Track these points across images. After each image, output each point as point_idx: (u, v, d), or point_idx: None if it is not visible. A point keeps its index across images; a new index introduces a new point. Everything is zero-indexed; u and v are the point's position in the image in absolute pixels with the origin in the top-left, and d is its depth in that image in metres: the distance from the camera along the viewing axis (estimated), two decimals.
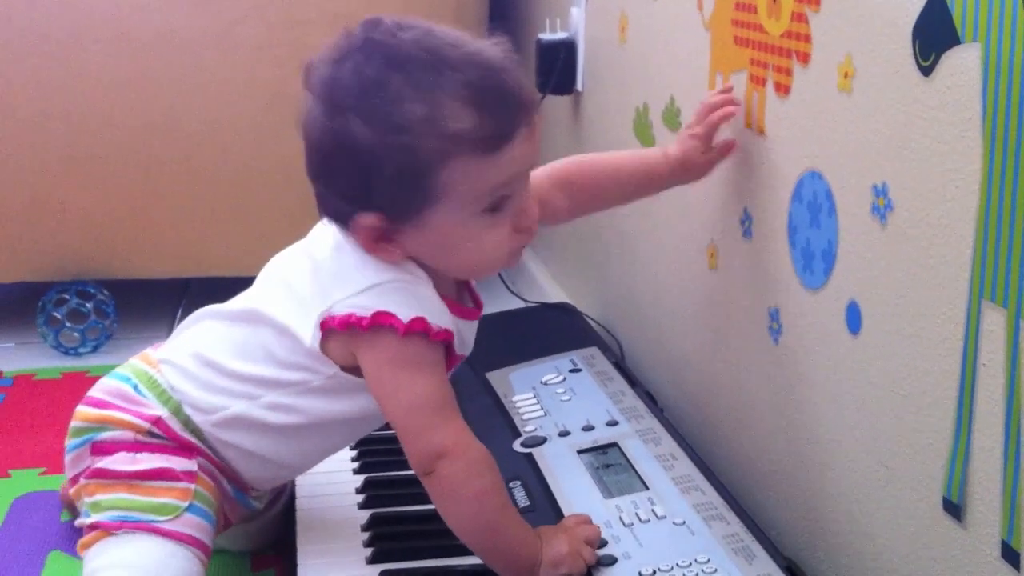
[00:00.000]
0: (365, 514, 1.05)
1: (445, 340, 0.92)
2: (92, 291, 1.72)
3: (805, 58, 0.92)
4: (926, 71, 0.75)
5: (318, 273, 0.94)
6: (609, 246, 1.49)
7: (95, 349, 1.72)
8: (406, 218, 0.88)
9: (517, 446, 1.11)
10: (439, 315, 0.91)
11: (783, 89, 0.96)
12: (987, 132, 0.69)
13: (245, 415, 0.96)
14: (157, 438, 0.97)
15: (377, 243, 0.90)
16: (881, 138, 0.81)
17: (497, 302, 1.53)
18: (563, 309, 1.51)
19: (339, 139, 0.86)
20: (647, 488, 1.00)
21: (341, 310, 0.90)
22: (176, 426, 0.97)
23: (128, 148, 1.68)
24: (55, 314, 1.70)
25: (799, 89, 0.94)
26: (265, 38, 1.68)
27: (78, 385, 1.59)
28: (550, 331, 1.41)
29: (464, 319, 0.96)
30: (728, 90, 1.06)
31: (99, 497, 0.96)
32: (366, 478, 1.13)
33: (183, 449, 0.97)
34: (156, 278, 1.78)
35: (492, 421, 1.17)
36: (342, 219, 0.91)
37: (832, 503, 0.91)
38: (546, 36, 1.60)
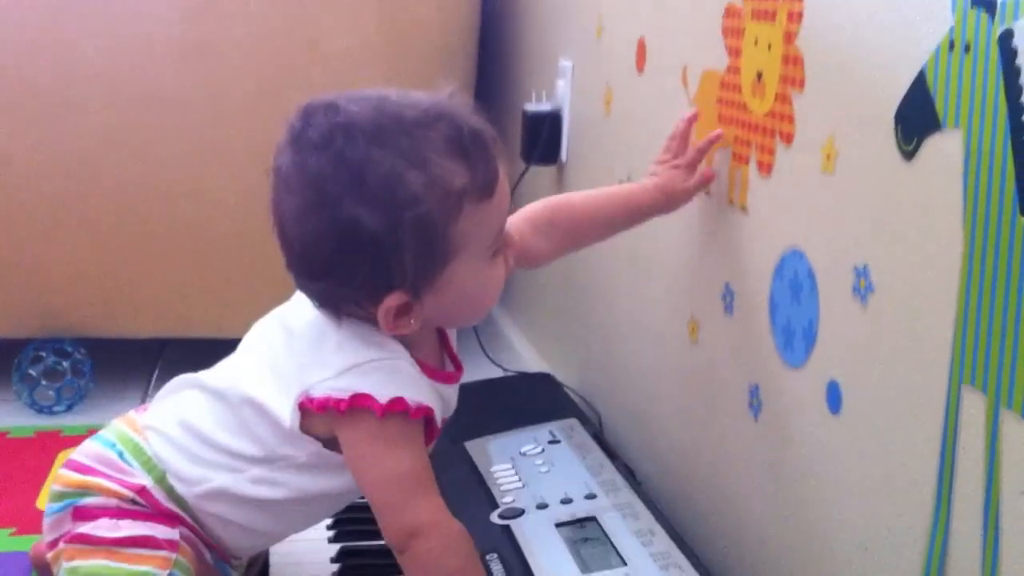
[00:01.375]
0: None
1: (424, 416, 0.91)
2: (69, 349, 1.71)
3: (788, 138, 0.93)
4: (908, 155, 0.76)
5: (296, 351, 0.93)
6: (590, 316, 1.49)
7: (70, 408, 1.70)
8: (428, 285, 0.88)
9: (494, 518, 1.10)
10: (418, 390, 0.91)
11: (766, 168, 0.97)
12: (968, 217, 0.69)
13: (229, 488, 0.95)
14: (140, 506, 0.96)
15: (397, 320, 0.89)
16: (863, 219, 0.81)
17: (477, 371, 1.53)
18: (542, 379, 1.51)
19: (346, 231, 0.84)
20: (625, 564, 0.99)
21: (319, 392, 0.89)
22: (160, 496, 0.96)
23: (110, 206, 1.67)
24: (31, 372, 1.69)
25: (782, 168, 0.95)
26: (255, 101, 1.68)
27: (51, 444, 1.57)
28: (529, 401, 1.40)
29: (446, 383, 0.96)
30: (686, 115, 1.08)
31: (78, 563, 0.94)
32: (341, 547, 1.11)
33: (166, 518, 0.95)
34: (134, 337, 1.76)
35: (469, 491, 1.16)
36: (356, 307, 0.90)
37: None
38: (532, 107, 1.61)
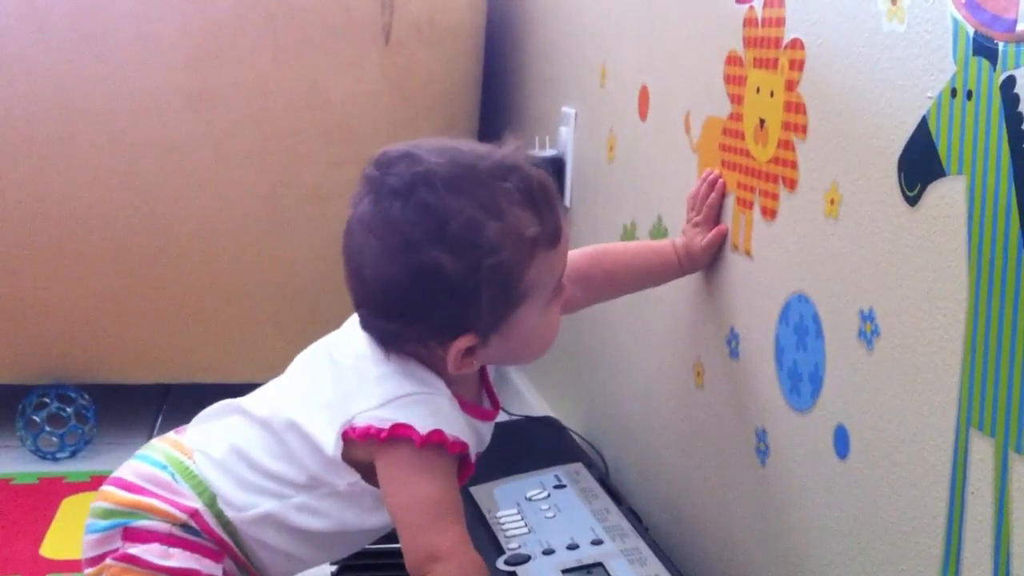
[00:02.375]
0: None
1: (460, 452, 0.93)
2: (73, 395, 1.71)
3: (792, 184, 0.94)
4: (912, 201, 0.76)
5: (341, 382, 0.95)
6: (595, 360, 1.49)
7: (73, 454, 1.70)
8: (497, 329, 0.92)
9: (501, 564, 1.09)
10: (456, 426, 0.93)
11: (770, 213, 0.98)
12: (972, 262, 0.70)
13: (275, 514, 0.96)
14: (191, 533, 0.96)
15: (464, 359, 0.92)
16: (868, 264, 0.82)
17: None
18: (548, 423, 1.51)
19: (428, 275, 0.88)
20: None
21: (361, 422, 0.91)
22: (211, 520, 0.97)
23: (115, 251, 1.68)
24: (34, 418, 1.68)
25: (786, 213, 0.96)
26: (259, 146, 1.69)
27: (55, 491, 1.57)
28: (535, 445, 1.40)
29: (483, 420, 0.98)
30: (708, 175, 1.10)
31: None
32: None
33: (213, 552, 0.96)
34: (137, 383, 1.76)
35: (475, 537, 1.14)
36: (421, 346, 0.92)
37: None
38: (536, 153, 1.62)
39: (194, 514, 0.96)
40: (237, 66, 1.66)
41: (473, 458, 0.96)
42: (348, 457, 0.94)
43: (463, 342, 0.90)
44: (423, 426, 0.90)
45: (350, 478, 0.94)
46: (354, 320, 1.00)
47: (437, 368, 0.93)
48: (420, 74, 1.76)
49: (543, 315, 0.94)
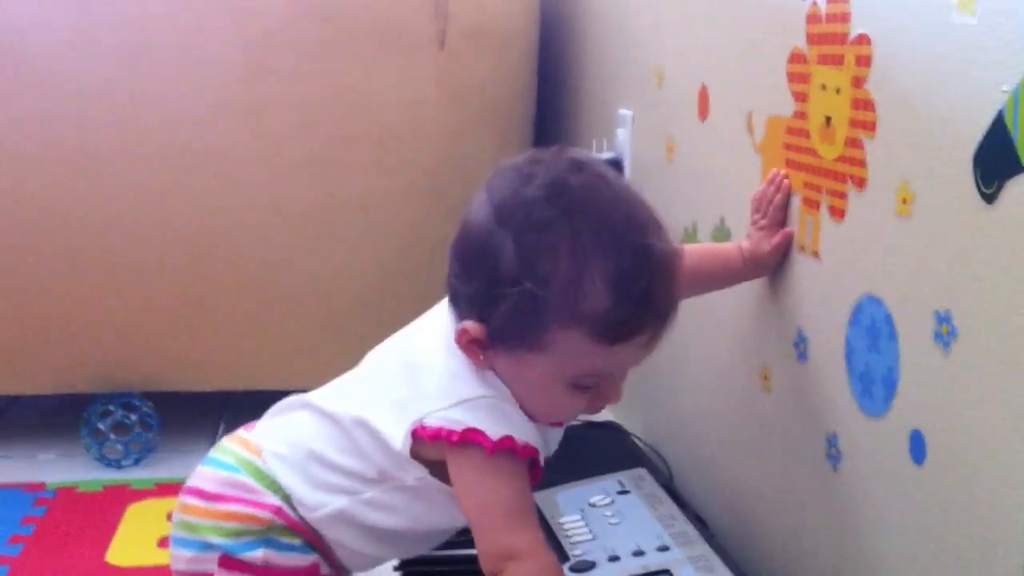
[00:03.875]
0: None
1: (530, 456, 0.92)
2: (136, 403, 1.72)
3: (861, 183, 0.92)
4: (989, 198, 0.74)
5: (412, 379, 0.95)
6: (657, 364, 1.47)
7: (137, 462, 1.71)
8: (504, 347, 0.89)
9: (566, 571, 1.08)
10: (525, 431, 0.92)
11: (838, 213, 0.96)
12: None
13: (346, 511, 0.97)
14: (284, 550, 0.97)
15: (470, 344, 0.91)
16: (943, 264, 0.80)
17: None
18: (609, 428, 1.49)
19: (487, 252, 0.87)
20: None
21: (433, 422, 0.91)
22: (293, 515, 0.98)
23: (174, 261, 1.69)
24: (99, 426, 1.70)
25: (855, 213, 0.94)
26: (311, 155, 1.70)
27: (120, 498, 1.59)
28: (597, 451, 1.39)
29: (555, 425, 0.97)
30: (773, 176, 1.07)
31: None
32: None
33: (305, 571, 0.98)
34: (198, 391, 1.78)
35: None
36: (462, 309, 0.92)
37: None
38: (593, 157, 1.61)
39: (277, 511, 0.98)
40: (287, 76, 1.67)
41: (542, 462, 0.95)
42: (416, 454, 0.93)
43: (471, 327, 0.89)
44: (494, 432, 0.90)
45: (418, 473, 0.94)
46: (424, 317, 1.00)
47: None
48: (474, 81, 1.76)
49: (555, 389, 0.90)
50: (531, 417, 0.95)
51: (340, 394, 1.01)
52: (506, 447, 0.90)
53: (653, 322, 0.87)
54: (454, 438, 0.90)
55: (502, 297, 0.87)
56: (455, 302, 0.94)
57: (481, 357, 0.91)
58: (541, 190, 0.87)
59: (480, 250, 0.89)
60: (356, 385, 1.01)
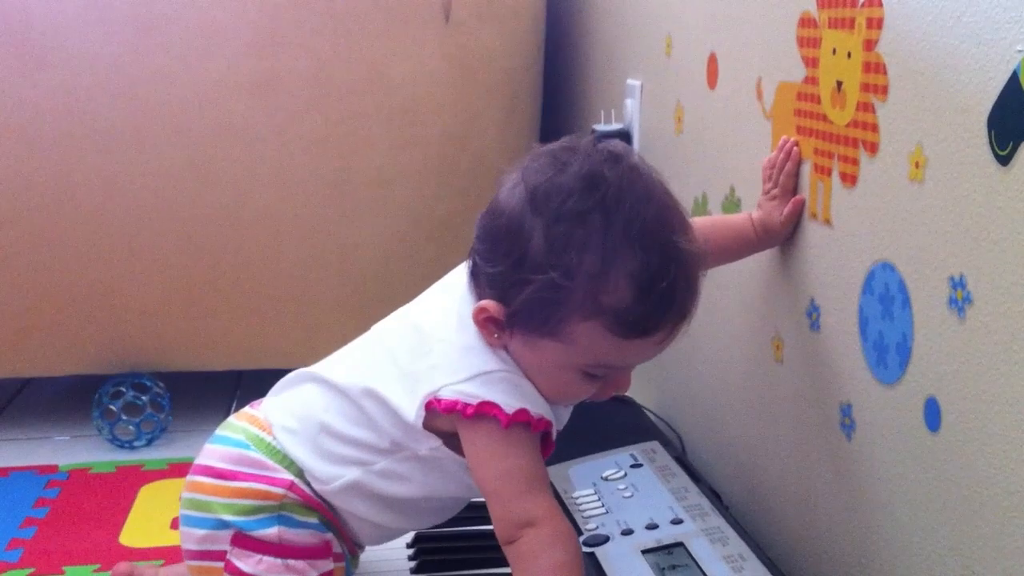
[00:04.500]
0: None
1: (544, 429, 0.92)
2: (148, 384, 1.72)
3: (873, 148, 0.91)
4: (1004, 160, 0.73)
5: (425, 352, 0.95)
6: None
7: (150, 442, 1.71)
8: (520, 332, 0.90)
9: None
10: (539, 405, 0.92)
11: (850, 179, 0.95)
12: None
13: (360, 482, 0.97)
14: (297, 527, 0.97)
15: (486, 322, 0.91)
16: (957, 229, 0.78)
17: None
18: (621, 402, 1.48)
19: (519, 234, 0.88)
20: None
21: (448, 395, 0.91)
22: (307, 489, 0.98)
23: (185, 241, 1.69)
24: (111, 407, 1.70)
25: (867, 179, 0.92)
26: (323, 132, 1.69)
27: (133, 479, 1.59)
28: (609, 425, 1.38)
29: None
30: (784, 143, 1.06)
31: None
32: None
33: (319, 548, 0.98)
34: (210, 370, 1.77)
35: None
36: (484, 284, 0.92)
37: None
38: (601, 127, 1.60)
39: (291, 486, 0.98)
40: (297, 52, 1.66)
41: (554, 435, 0.96)
42: (429, 425, 0.94)
43: (489, 306, 0.90)
44: (509, 405, 0.90)
45: (431, 443, 0.94)
46: (434, 288, 1.01)
47: None
48: (481, 53, 1.74)
49: (568, 374, 0.91)
50: (542, 394, 0.94)
51: (347, 366, 1.01)
52: (521, 420, 0.90)
53: (673, 320, 0.88)
54: (469, 411, 0.90)
55: (526, 282, 0.87)
56: (476, 278, 0.94)
57: (496, 336, 0.92)
58: (577, 181, 0.87)
59: (509, 233, 0.89)
60: (364, 356, 1.01)
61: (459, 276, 0.98)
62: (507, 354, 0.93)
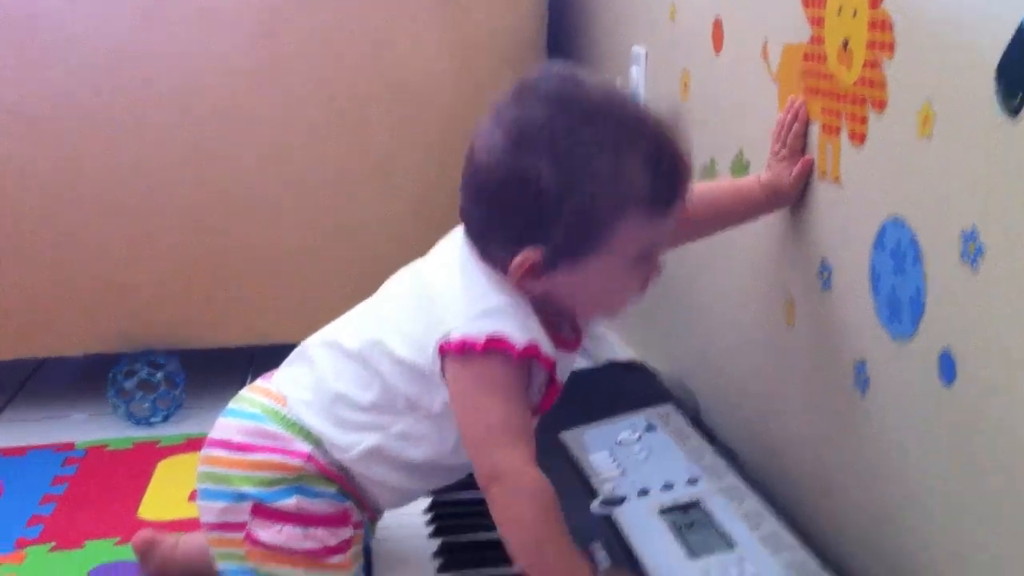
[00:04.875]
0: None
1: (550, 369, 0.93)
2: (162, 361, 1.73)
3: (881, 105, 0.91)
4: (1013, 111, 0.73)
5: (433, 299, 0.97)
6: (678, 300, 1.47)
7: (166, 419, 1.73)
8: (566, 260, 0.92)
9: (596, 506, 1.08)
10: (545, 343, 0.93)
11: (858, 137, 0.95)
12: None
13: (379, 447, 0.98)
14: (316, 497, 0.99)
15: (525, 276, 0.92)
16: (968, 182, 0.79)
17: None
18: (633, 366, 1.49)
19: (524, 177, 0.89)
20: (733, 548, 0.97)
21: (457, 335, 0.92)
22: (325, 460, 0.99)
23: (193, 221, 1.70)
24: (125, 385, 1.71)
25: (875, 137, 0.92)
26: (328, 113, 1.70)
27: (150, 455, 1.60)
28: (622, 389, 1.39)
29: (565, 350, 0.98)
30: (792, 104, 1.06)
31: (274, 569, 0.99)
32: (442, 542, 1.11)
33: (338, 516, 1.00)
34: (224, 346, 1.78)
35: (568, 482, 1.15)
36: (497, 247, 0.93)
37: (935, 563, 0.88)
38: None
39: (308, 457, 0.99)
40: (299, 34, 1.67)
41: (559, 377, 0.96)
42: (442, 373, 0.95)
43: (530, 254, 0.91)
44: (519, 338, 0.91)
45: (444, 396, 0.95)
46: (441, 242, 1.01)
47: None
48: (484, 27, 1.74)
49: (618, 278, 0.94)
50: (594, 317, 0.99)
51: (355, 326, 1.02)
52: (531, 355, 0.91)
53: (686, 182, 0.93)
54: (478, 347, 0.91)
55: (555, 215, 0.89)
56: (487, 242, 0.94)
57: (539, 282, 0.92)
58: (548, 107, 0.90)
59: (513, 183, 0.90)
60: (371, 314, 1.02)
61: (454, 235, 1.00)
62: (516, 292, 0.93)
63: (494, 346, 0.91)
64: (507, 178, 0.90)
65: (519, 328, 0.92)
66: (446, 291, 0.96)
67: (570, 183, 0.88)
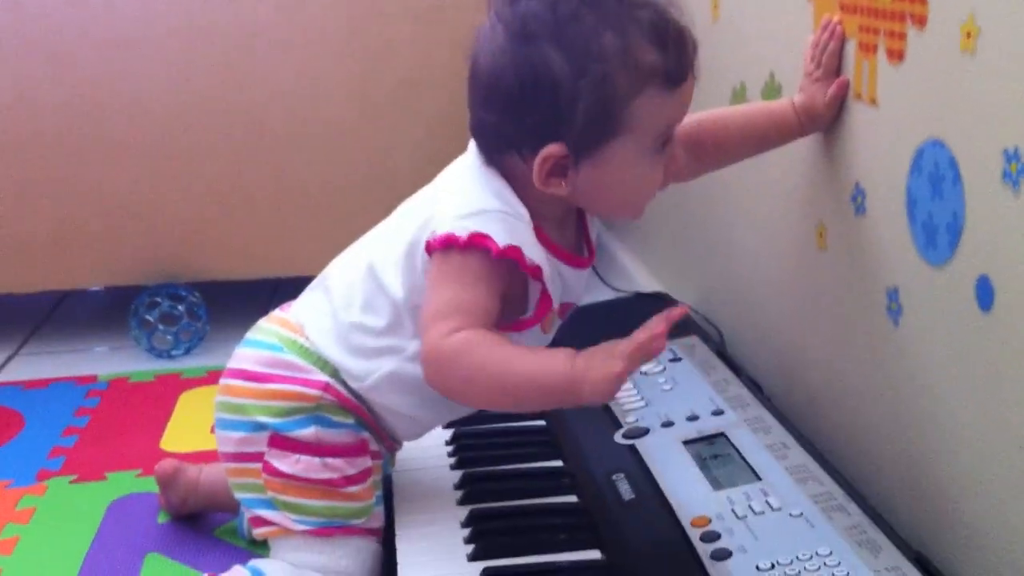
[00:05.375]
0: (464, 510, 1.02)
1: (534, 274, 0.91)
2: (183, 294, 1.72)
3: (921, 20, 0.87)
4: None
5: (428, 202, 0.96)
6: (706, 228, 1.44)
7: (188, 351, 1.72)
8: (589, 151, 0.90)
9: (619, 438, 1.07)
10: (534, 253, 0.91)
11: (896, 55, 0.91)
12: None
13: (395, 372, 0.97)
14: (334, 427, 0.98)
15: (550, 177, 0.91)
16: (1012, 100, 0.75)
17: (589, 293, 1.49)
18: (659, 298, 1.47)
19: (534, 70, 0.87)
20: (759, 479, 0.95)
21: (442, 230, 0.91)
22: (343, 390, 0.99)
23: (214, 150, 1.68)
24: (147, 317, 1.71)
25: (915, 54, 0.88)
26: (349, 34, 1.67)
27: (172, 387, 1.59)
28: (647, 321, 1.36)
29: (572, 266, 0.96)
30: (826, 23, 1.02)
31: (293, 499, 0.99)
32: (464, 473, 1.10)
33: (355, 446, 0.99)
34: (246, 279, 1.77)
35: (591, 413, 1.13)
36: (517, 153, 0.91)
37: (964, 491, 0.85)
38: None
39: (326, 387, 0.98)
40: None
41: (557, 303, 0.95)
42: None
43: (552, 149, 0.89)
44: (502, 239, 0.89)
45: None
46: (450, 165, 1.00)
47: (531, 195, 0.92)
48: None
49: (642, 163, 0.91)
50: (622, 212, 0.97)
51: (368, 248, 1.01)
52: (511, 256, 0.89)
53: (694, 57, 0.92)
54: (461, 242, 0.89)
55: (573, 101, 0.87)
56: (503, 151, 0.92)
57: (563, 183, 0.90)
58: None
59: (527, 76, 0.88)
60: (382, 234, 1.01)
61: (457, 161, 0.99)
62: (513, 196, 0.92)
63: (474, 242, 0.89)
64: (517, 73, 0.88)
65: (505, 231, 0.90)
66: (442, 197, 0.95)
67: (582, 67, 0.86)
